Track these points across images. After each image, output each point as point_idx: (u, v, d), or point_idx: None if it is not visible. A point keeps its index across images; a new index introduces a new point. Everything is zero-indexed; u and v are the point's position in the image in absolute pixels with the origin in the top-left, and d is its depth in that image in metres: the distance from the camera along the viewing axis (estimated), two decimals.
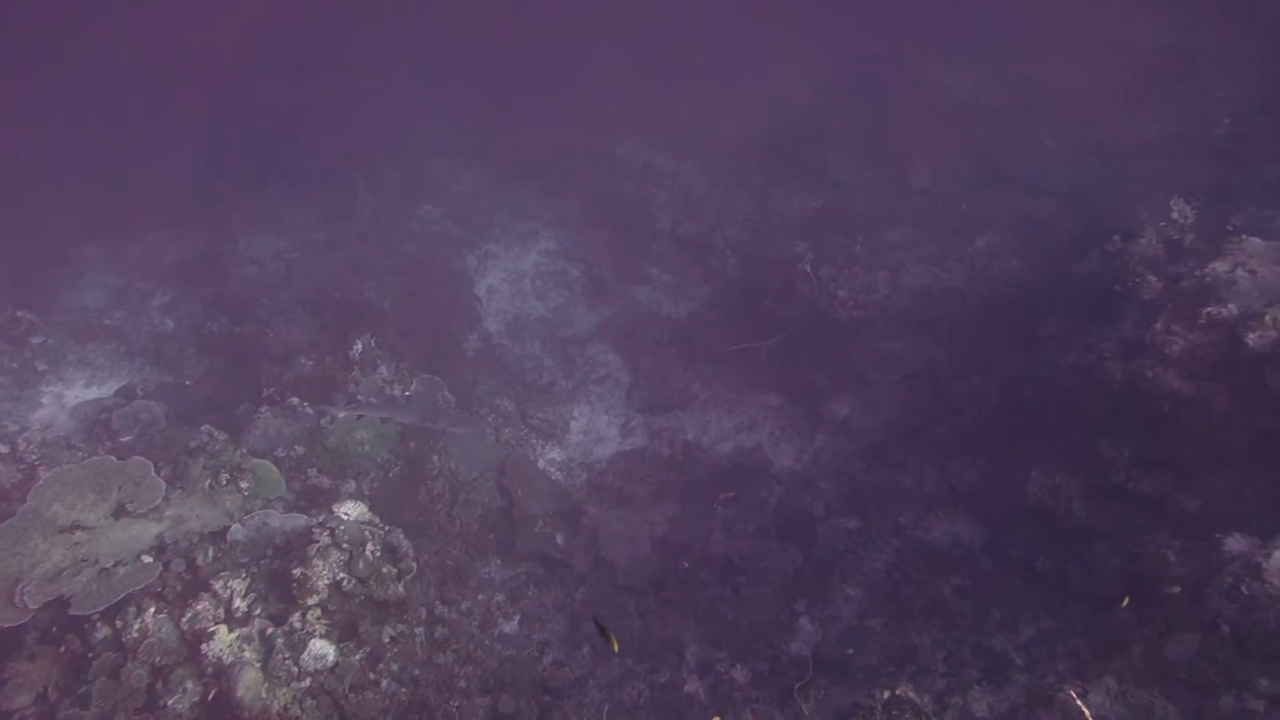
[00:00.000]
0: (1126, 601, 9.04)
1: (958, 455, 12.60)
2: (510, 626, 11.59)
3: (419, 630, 9.88)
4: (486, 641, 10.95)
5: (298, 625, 9.10)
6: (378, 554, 9.68)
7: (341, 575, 9.38)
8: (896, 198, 17.14)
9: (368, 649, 9.36)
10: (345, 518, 9.83)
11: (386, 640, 9.52)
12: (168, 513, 10.12)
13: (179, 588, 9.64)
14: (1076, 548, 10.62)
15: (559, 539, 12.97)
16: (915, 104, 19.82)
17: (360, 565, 9.48)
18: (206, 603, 9.31)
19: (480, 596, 11.74)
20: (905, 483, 12.84)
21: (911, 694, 8.29)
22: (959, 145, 18.16)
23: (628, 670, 11.21)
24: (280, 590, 9.48)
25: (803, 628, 11.61)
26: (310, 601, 9.16)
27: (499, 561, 12.46)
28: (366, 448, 11.97)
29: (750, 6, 25.19)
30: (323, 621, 9.21)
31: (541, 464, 14.24)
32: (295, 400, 12.24)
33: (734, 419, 15.02)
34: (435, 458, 12.64)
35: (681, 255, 17.62)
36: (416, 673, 9.81)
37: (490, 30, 25.72)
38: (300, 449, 11.72)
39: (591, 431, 15.07)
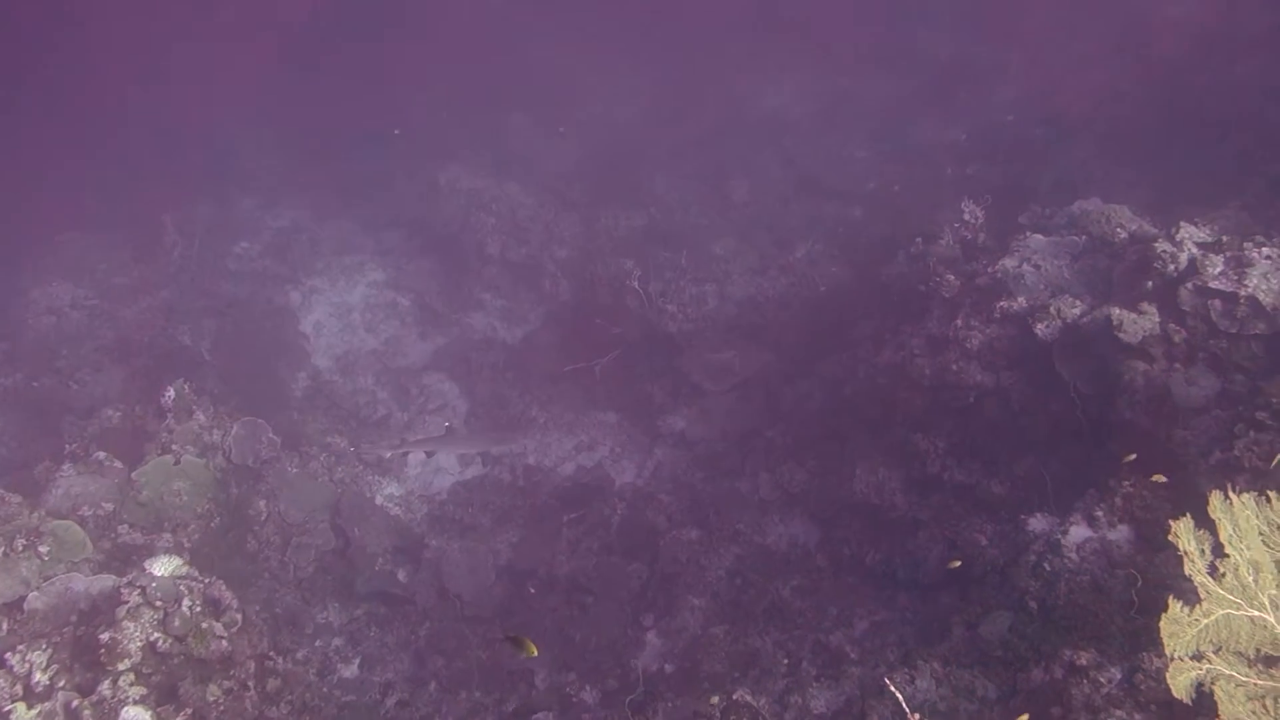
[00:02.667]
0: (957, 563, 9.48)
1: (789, 458, 12.92)
2: (350, 670, 11.23)
3: (249, 684, 9.42)
4: (325, 689, 10.58)
5: (108, 694, 8.53)
6: (197, 609, 9.20)
7: (156, 635, 8.86)
8: (719, 212, 17.56)
9: (190, 710, 8.87)
10: (158, 574, 9.30)
11: (211, 699, 9.04)
12: None
13: None
14: (902, 539, 11.05)
15: (400, 575, 12.66)
16: (734, 120, 20.40)
17: (176, 623, 8.98)
18: (1, 680, 8.63)
19: (318, 642, 11.35)
20: (742, 489, 13.09)
21: (749, 698, 8.42)
22: (776, 158, 18.75)
23: (475, 703, 11.04)
24: (87, 658, 8.87)
25: (650, 642, 11.68)
26: (121, 667, 8.62)
27: (337, 604, 12.07)
28: (185, 498, 11.40)
29: (573, 30, 25.38)
30: (137, 687, 8.66)
31: (379, 500, 13.87)
32: (102, 455, 11.55)
33: (574, 439, 15.03)
34: (262, 502, 12.16)
35: (513, 279, 17.57)
36: None
37: (305, 56, 25.03)
38: (109, 505, 11.06)
39: (430, 463, 14.78)
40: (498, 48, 24.35)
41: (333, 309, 17.66)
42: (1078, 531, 8.64)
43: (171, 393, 12.43)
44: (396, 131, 19.39)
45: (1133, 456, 8.52)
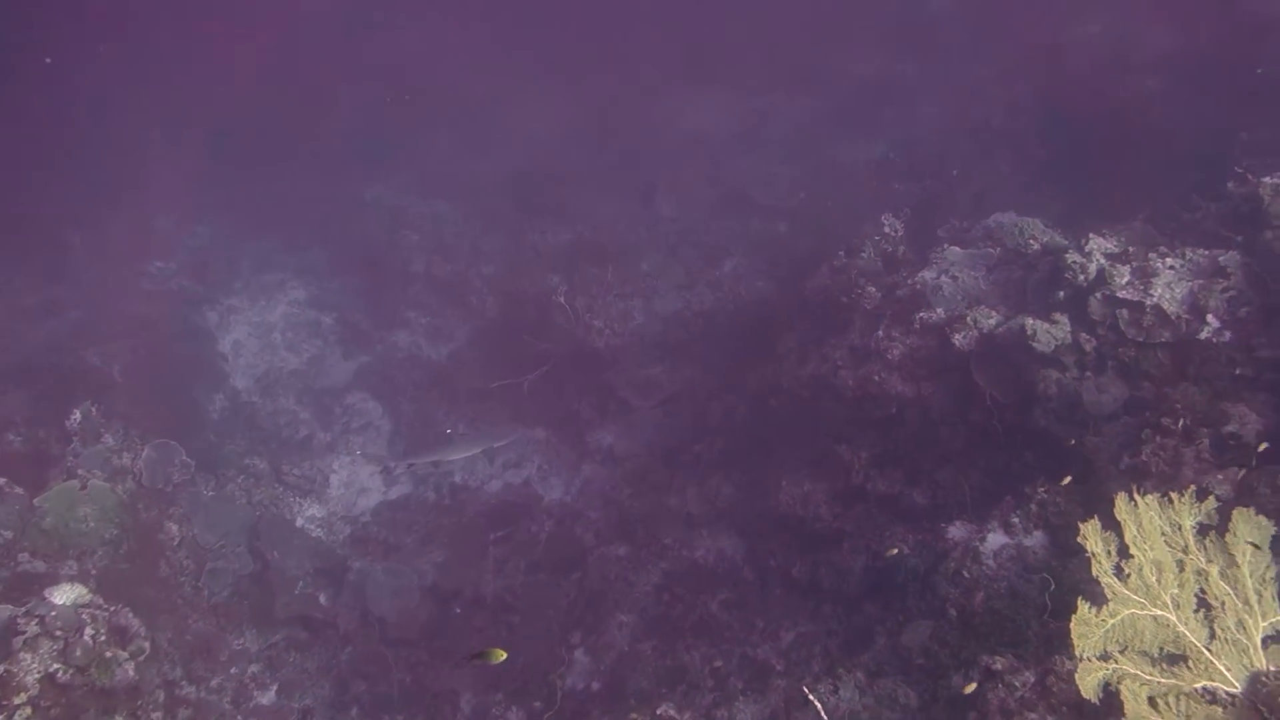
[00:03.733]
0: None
1: (716, 472, 12.93)
2: (267, 697, 10.92)
3: (156, 715, 9.09)
4: (240, 717, 10.26)
5: None
6: (101, 638, 8.86)
7: (55, 666, 8.50)
8: (646, 228, 17.56)
9: None
10: (59, 603, 8.94)
11: None
12: None
13: None
14: (827, 551, 11.09)
15: (322, 599, 12.38)
16: (660, 138, 20.46)
17: (78, 653, 8.63)
18: None
19: (233, 670, 11.01)
20: (670, 504, 13.03)
21: (674, 713, 8.36)
22: (702, 175, 18.85)
23: None
24: None
25: (579, 660, 11.56)
26: (17, 700, 8.25)
27: (254, 630, 11.73)
28: (91, 524, 10.98)
29: (501, 47, 25.30)
30: None
31: (300, 522, 13.58)
32: (2, 480, 11.07)
33: (501, 456, 14.85)
34: (175, 527, 11.78)
35: (439, 296, 17.37)
36: None
37: (225, 71, 24.51)
38: (8, 533, 10.58)
39: (354, 483, 14.53)
40: (420, 67, 24.10)
41: (252, 328, 17.26)
42: (995, 539, 8.76)
43: (78, 415, 12.02)
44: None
45: (1068, 479, 8.65)
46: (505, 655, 7.13)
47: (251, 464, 13.85)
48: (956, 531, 9.19)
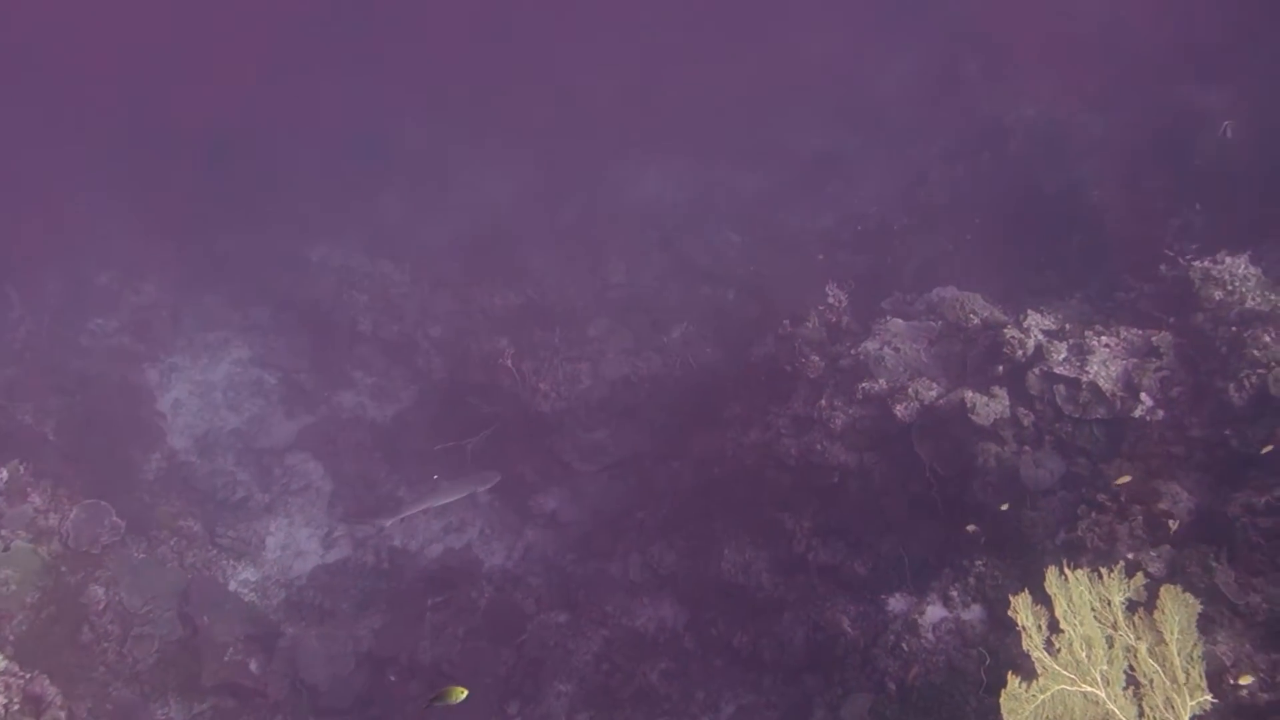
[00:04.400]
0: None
1: (659, 539, 12.85)
2: None
3: None
4: None
5: None
6: (15, 707, 8.51)
7: None
8: (596, 292, 17.66)
9: None
10: None
11: None
12: None
13: None
14: (769, 621, 11.02)
15: (252, 666, 12.01)
16: (613, 204, 20.70)
17: None
18: None
19: None
20: (612, 571, 12.94)
21: None
22: (654, 242, 19.04)
23: None
24: None
25: None
26: None
27: (179, 699, 11.33)
28: (12, 587, 10.60)
29: (450, 110, 25.57)
30: None
31: (233, 586, 13.24)
32: None
33: (443, 520, 14.66)
34: (100, 590, 11.40)
35: (385, 357, 17.25)
36: None
37: (173, 128, 24.44)
38: None
39: (290, 546, 14.23)
40: (372, 126, 24.23)
41: (194, 387, 16.97)
42: (934, 611, 8.79)
43: (4, 474, 11.66)
44: None
45: (973, 527, 8.76)
46: (466, 693, 6.90)
47: (185, 525, 13.52)
48: (896, 604, 9.21)
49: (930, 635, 8.48)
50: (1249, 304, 9.45)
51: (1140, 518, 8.25)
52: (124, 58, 27.66)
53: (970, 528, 9.10)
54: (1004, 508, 8.97)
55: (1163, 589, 5.74)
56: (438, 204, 20.99)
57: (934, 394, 10.50)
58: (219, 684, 11.57)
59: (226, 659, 11.79)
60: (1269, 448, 7.86)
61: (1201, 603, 5.81)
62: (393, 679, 12.03)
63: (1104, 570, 5.77)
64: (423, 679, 11.93)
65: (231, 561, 13.57)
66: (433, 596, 13.07)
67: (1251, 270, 9.81)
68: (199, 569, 12.96)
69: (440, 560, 13.89)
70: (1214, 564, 7.34)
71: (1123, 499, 8.44)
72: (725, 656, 11.27)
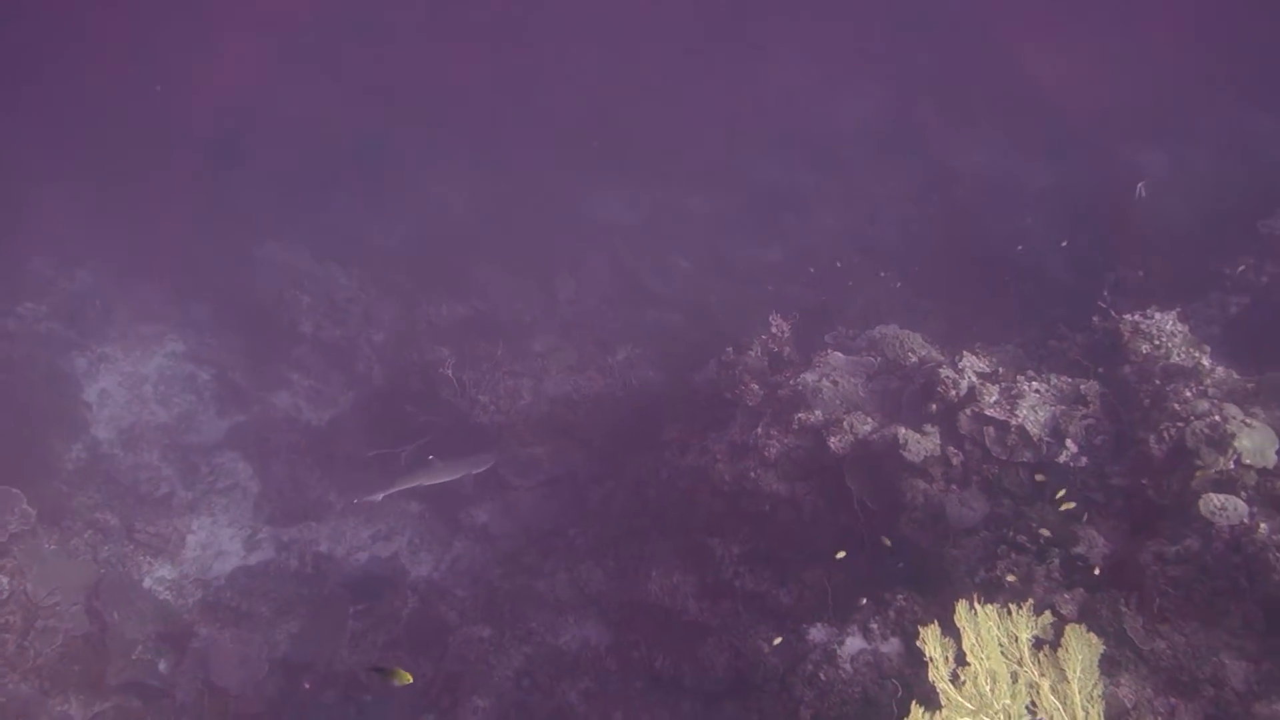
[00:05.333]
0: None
1: (588, 558, 12.77)
2: None
3: None
4: None
5: None
6: None
7: None
8: (544, 309, 17.63)
9: None
10: None
11: None
12: None
13: None
14: (691, 645, 10.98)
15: (161, 666, 11.74)
16: (566, 221, 20.72)
17: None
18: None
19: None
20: (539, 587, 12.80)
21: None
22: (604, 261, 19.08)
23: None
24: None
25: None
26: None
27: (81, 696, 10.99)
28: None
29: (406, 115, 25.45)
30: None
31: (148, 583, 12.92)
32: None
33: (372, 528, 14.47)
34: (4, 579, 11.07)
35: (324, 360, 17.01)
36: None
37: (120, 116, 24.01)
38: None
39: (212, 546, 13.92)
40: (327, 129, 24.01)
41: (123, 378, 16.58)
42: (853, 643, 8.81)
43: None
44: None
45: (842, 554, 8.88)
46: (411, 679, 6.77)
47: (102, 518, 13.19)
48: (817, 633, 9.21)
49: (848, 666, 8.50)
50: (1174, 359, 9.70)
51: (1057, 560, 8.38)
52: (75, 44, 27.10)
53: (886, 541, 9.23)
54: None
55: (1068, 628, 5.82)
56: (391, 210, 20.83)
57: (868, 428, 10.58)
58: (124, 683, 11.26)
59: (134, 657, 11.51)
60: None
61: (1110, 646, 5.90)
62: (307, 686, 11.79)
63: (1013, 606, 5.83)
64: (338, 687, 11.72)
65: (148, 558, 13.24)
66: (355, 604, 12.89)
67: (1179, 327, 10.07)
68: (113, 564, 12.63)
69: (365, 568, 13.69)
70: (1124, 609, 7.46)
71: (1042, 541, 8.57)
72: (646, 679, 11.19)
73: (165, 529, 13.63)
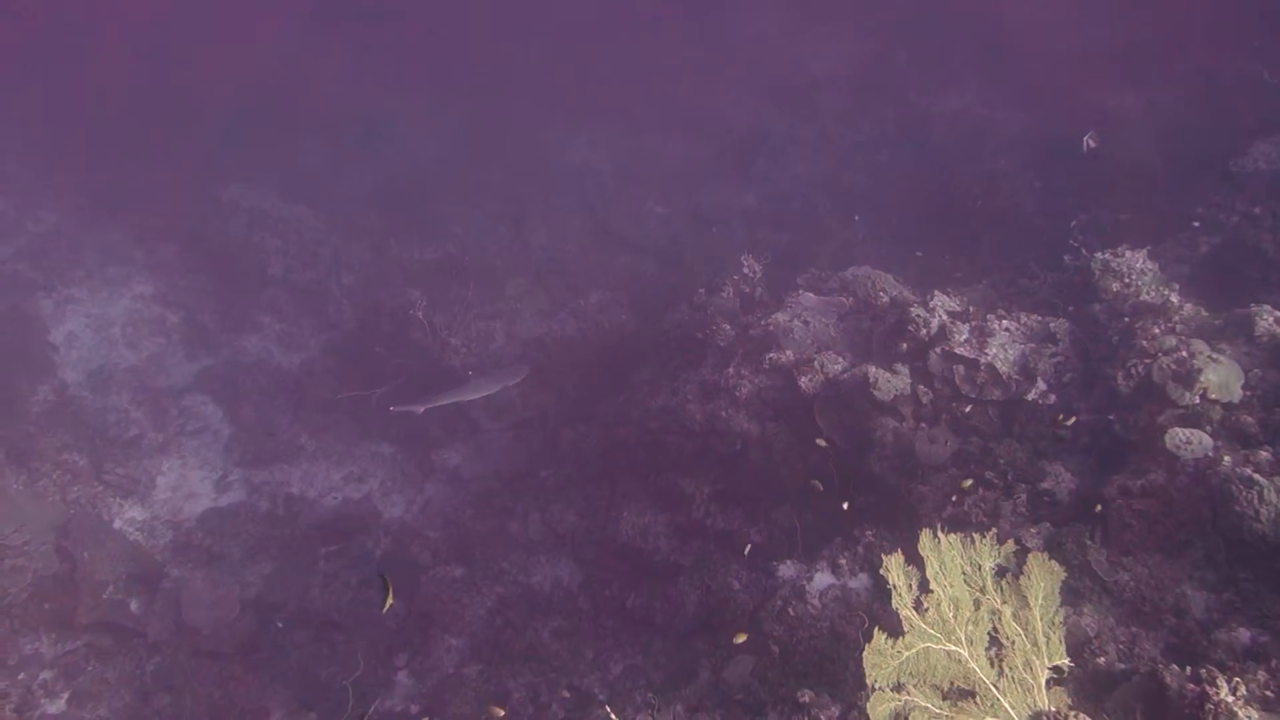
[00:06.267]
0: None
1: (560, 499, 12.80)
2: (56, 706, 10.21)
3: None
4: None
5: None
6: None
7: None
8: (516, 253, 17.47)
9: None
10: None
11: None
12: None
13: None
14: (663, 584, 11.06)
15: (133, 605, 11.70)
16: (541, 166, 20.49)
17: None
18: None
19: (21, 675, 10.25)
20: (511, 528, 12.85)
21: None
22: (578, 206, 18.91)
23: None
24: None
25: (401, 682, 11.21)
26: None
27: (52, 635, 10.96)
28: None
29: (378, 56, 24.99)
30: None
31: (118, 524, 12.85)
32: None
33: (343, 470, 14.43)
34: None
35: (295, 303, 16.84)
36: None
37: (86, 55, 23.45)
38: None
39: (182, 487, 13.85)
40: (296, 70, 23.51)
41: (90, 321, 16.36)
42: (821, 579, 8.89)
43: None
44: None
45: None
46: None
47: (70, 459, 13.07)
48: (786, 570, 9.28)
49: (817, 601, 8.58)
50: (1143, 297, 9.73)
51: (1024, 495, 8.46)
52: None
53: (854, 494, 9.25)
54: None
55: (1030, 556, 5.88)
56: (361, 154, 20.51)
57: (839, 367, 10.60)
58: (95, 622, 11.22)
59: (105, 597, 11.47)
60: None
61: (1073, 578, 5.98)
62: (279, 625, 11.82)
63: (975, 535, 5.88)
64: (310, 627, 11.75)
65: (118, 499, 13.16)
66: (327, 545, 12.88)
67: (1149, 265, 10.10)
68: (82, 504, 12.55)
69: (337, 510, 13.67)
70: (1089, 542, 7.55)
71: (1010, 477, 8.65)
72: (618, 617, 11.28)
73: (135, 471, 13.54)
